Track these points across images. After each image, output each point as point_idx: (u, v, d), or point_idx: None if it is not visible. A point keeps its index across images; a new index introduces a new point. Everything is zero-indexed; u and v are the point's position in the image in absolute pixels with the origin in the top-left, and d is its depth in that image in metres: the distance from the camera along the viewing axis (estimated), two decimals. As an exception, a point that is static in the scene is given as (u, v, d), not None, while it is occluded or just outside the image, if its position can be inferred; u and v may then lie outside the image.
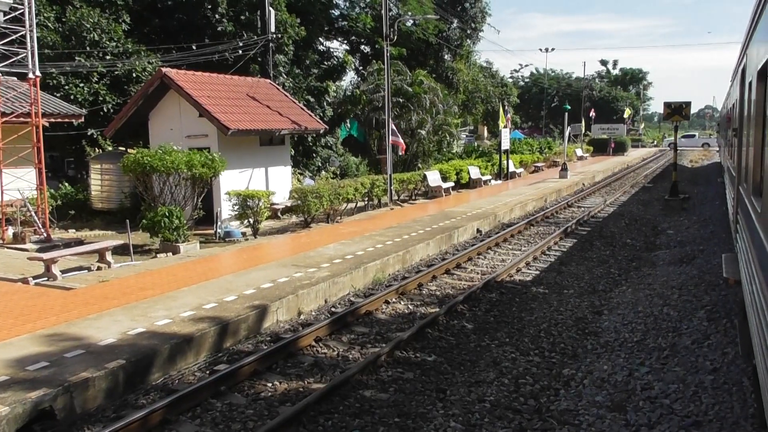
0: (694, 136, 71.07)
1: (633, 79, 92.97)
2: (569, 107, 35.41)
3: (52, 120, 16.85)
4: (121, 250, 12.91)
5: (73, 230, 16.14)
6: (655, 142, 77.53)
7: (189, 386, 6.34)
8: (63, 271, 11.08)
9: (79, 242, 14.04)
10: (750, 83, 6.42)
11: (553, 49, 68.08)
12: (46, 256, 11.02)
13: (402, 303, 9.85)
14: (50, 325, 7.66)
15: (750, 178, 6.12)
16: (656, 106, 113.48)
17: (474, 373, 7.00)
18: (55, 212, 16.42)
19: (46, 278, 10.62)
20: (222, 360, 7.35)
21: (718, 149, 41.06)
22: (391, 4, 32.09)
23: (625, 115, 63.15)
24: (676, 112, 19.85)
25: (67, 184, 18.52)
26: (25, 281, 10.34)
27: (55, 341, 7.02)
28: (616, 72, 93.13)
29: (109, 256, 12.00)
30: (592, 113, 57.27)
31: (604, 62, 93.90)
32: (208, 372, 6.97)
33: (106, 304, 8.62)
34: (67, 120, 17.85)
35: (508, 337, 8.29)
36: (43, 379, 5.93)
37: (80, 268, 11.66)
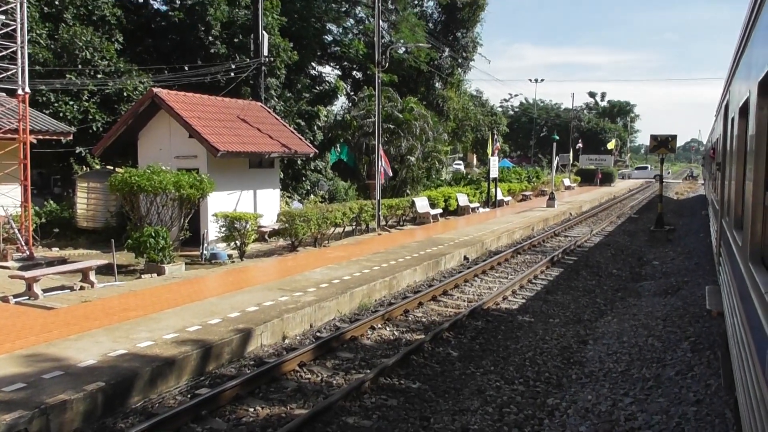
0: (646, 168, 71.72)
1: (621, 111, 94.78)
2: (558, 137, 35.87)
3: (41, 137, 16.76)
4: (105, 270, 12.76)
5: (57, 249, 15.96)
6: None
7: (169, 410, 6.23)
8: (45, 290, 10.91)
9: (63, 261, 13.87)
10: (732, 119, 6.56)
11: (542, 80, 69.15)
12: (27, 274, 10.87)
13: (388, 329, 9.80)
14: (29, 345, 7.52)
15: (732, 211, 6.22)
16: (643, 138, 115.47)
17: (458, 401, 6.95)
18: (39, 230, 16.26)
19: (27, 297, 10.45)
20: (204, 384, 7.24)
21: (703, 182, 41.68)
22: (384, 32, 32.61)
23: (610, 146, 64.14)
24: (662, 144, 20.20)
25: (52, 201, 18.37)
26: (5, 300, 10.16)
27: (34, 362, 6.88)
28: (604, 104, 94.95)
29: (92, 276, 11.86)
30: (580, 144, 58.06)
31: (592, 94, 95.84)
32: (189, 396, 6.86)
33: (87, 324, 8.49)
34: (55, 137, 17.77)
35: (493, 365, 8.26)
36: (19, 400, 5.79)
37: (63, 288, 11.50)
